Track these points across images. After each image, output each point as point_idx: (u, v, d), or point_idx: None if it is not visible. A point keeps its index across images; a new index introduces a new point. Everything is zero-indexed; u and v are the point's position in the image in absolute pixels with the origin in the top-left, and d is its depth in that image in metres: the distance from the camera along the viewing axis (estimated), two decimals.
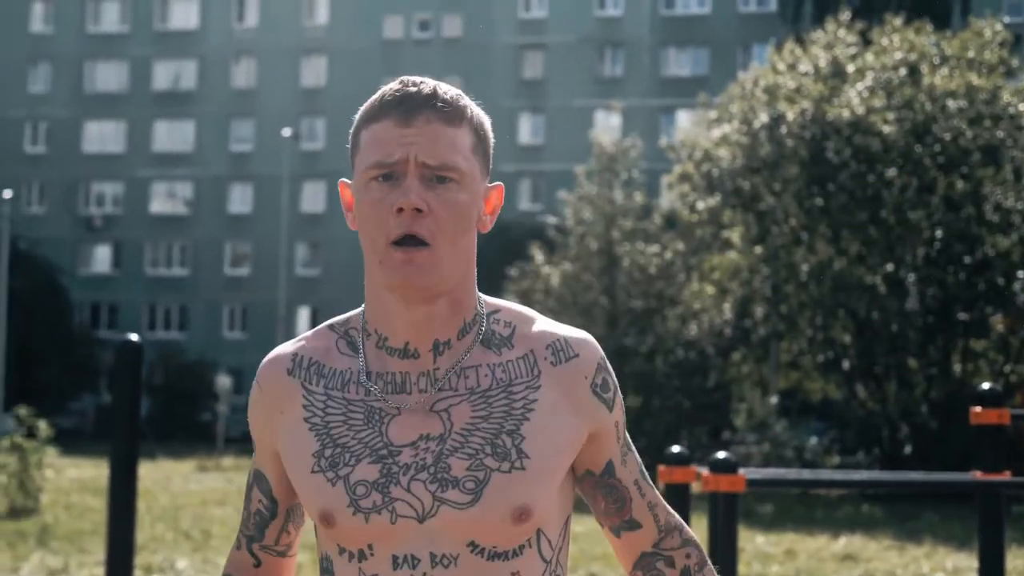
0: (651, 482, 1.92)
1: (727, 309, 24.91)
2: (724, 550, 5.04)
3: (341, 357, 1.85)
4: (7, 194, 47.43)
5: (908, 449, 21.81)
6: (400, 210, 1.73)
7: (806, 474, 6.25)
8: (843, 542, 13.85)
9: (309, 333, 1.91)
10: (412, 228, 1.73)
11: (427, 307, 1.78)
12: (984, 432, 5.78)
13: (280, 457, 1.89)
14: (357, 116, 1.84)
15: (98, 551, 11.03)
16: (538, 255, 28.23)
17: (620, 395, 1.90)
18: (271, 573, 1.99)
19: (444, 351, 1.79)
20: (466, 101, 1.82)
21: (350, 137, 1.86)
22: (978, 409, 5.79)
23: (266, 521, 1.95)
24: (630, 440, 1.92)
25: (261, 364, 1.94)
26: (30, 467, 16.09)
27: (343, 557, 1.80)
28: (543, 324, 1.86)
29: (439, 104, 1.77)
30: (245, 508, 1.98)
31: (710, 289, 24.86)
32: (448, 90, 1.81)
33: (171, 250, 58.73)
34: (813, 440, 24.04)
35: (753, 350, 25.90)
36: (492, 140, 1.88)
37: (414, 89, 1.78)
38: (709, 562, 1.96)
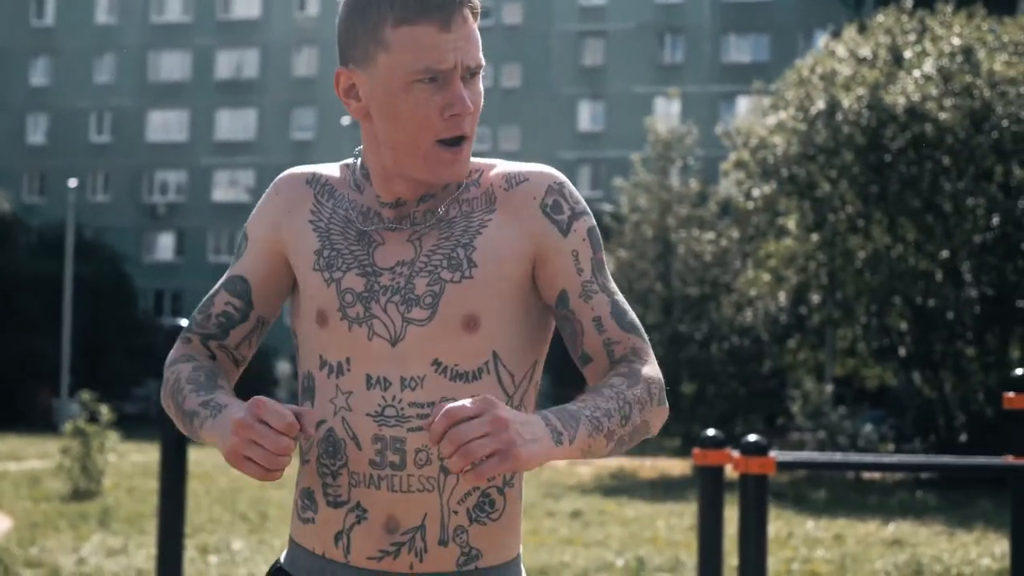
0: (629, 325, 1.97)
1: (782, 296, 24.88)
2: (754, 532, 5.13)
3: (348, 190, 2.04)
4: (73, 183, 48.13)
5: (964, 437, 21.72)
6: (454, 114, 1.90)
7: (837, 456, 6.33)
8: (892, 528, 13.88)
9: (330, 164, 2.11)
10: (462, 127, 1.92)
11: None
12: (1017, 417, 5.86)
13: (272, 259, 2.04)
14: (372, 4, 1.90)
15: (156, 533, 11.30)
16: None
17: (584, 219, 1.98)
18: (224, 370, 2.10)
19: (428, 199, 1.99)
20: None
21: (356, 22, 1.93)
22: (1011, 394, 5.87)
23: (233, 322, 2.07)
24: (604, 272, 1.99)
25: (281, 175, 2.10)
26: (92, 451, 16.43)
27: (323, 372, 1.96)
28: (508, 164, 2.03)
29: (469, 4, 1.92)
30: (200, 311, 2.08)
31: (765, 276, 24.84)
32: None
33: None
34: (868, 427, 23.96)
35: (808, 337, 25.87)
36: None
37: None
38: (641, 383, 1.92)
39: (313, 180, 2.06)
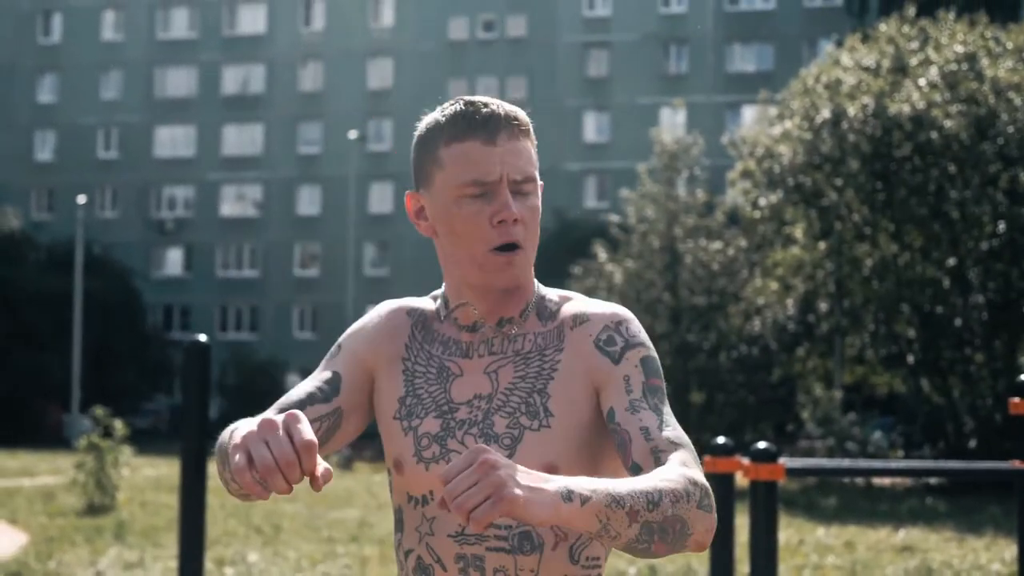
0: (674, 434, 1.97)
1: (790, 305, 24.97)
2: (764, 538, 5.21)
3: (437, 322, 2.14)
4: (81, 199, 48.31)
5: (973, 443, 21.77)
6: (502, 222, 2.01)
7: (846, 463, 6.40)
8: (903, 534, 13.94)
9: (422, 297, 2.21)
10: (512, 234, 2.01)
11: (503, 298, 2.08)
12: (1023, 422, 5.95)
13: (364, 375, 2.13)
14: (428, 129, 2.06)
15: (172, 545, 11.40)
16: (601, 253, 28.38)
17: (638, 350, 2.03)
18: None
19: (505, 325, 2.09)
20: (525, 116, 2.07)
21: (420, 149, 2.08)
22: (1017, 400, 5.96)
23: (314, 401, 2.09)
24: (658, 396, 2.01)
25: (384, 302, 2.21)
26: (106, 465, 16.53)
27: (410, 504, 2.07)
28: (581, 301, 2.12)
29: (515, 122, 2.04)
30: (286, 395, 2.12)
31: (773, 285, 24.93)
32: (513, 107, 2.07)
33: (241, 252, 59.48)
34: (877, 434, 24.01)
35: (817, 345, 25.94)
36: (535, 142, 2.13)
37: (491, 109, 2.03)
38: (681, 486, 1.85)
39: (413, 313, 2.17)
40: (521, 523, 1.95)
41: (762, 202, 24.44)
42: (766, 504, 5.23)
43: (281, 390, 49.13)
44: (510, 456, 1.99)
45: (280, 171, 59.58)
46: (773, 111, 25.36)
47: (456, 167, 2.01)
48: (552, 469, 1.97)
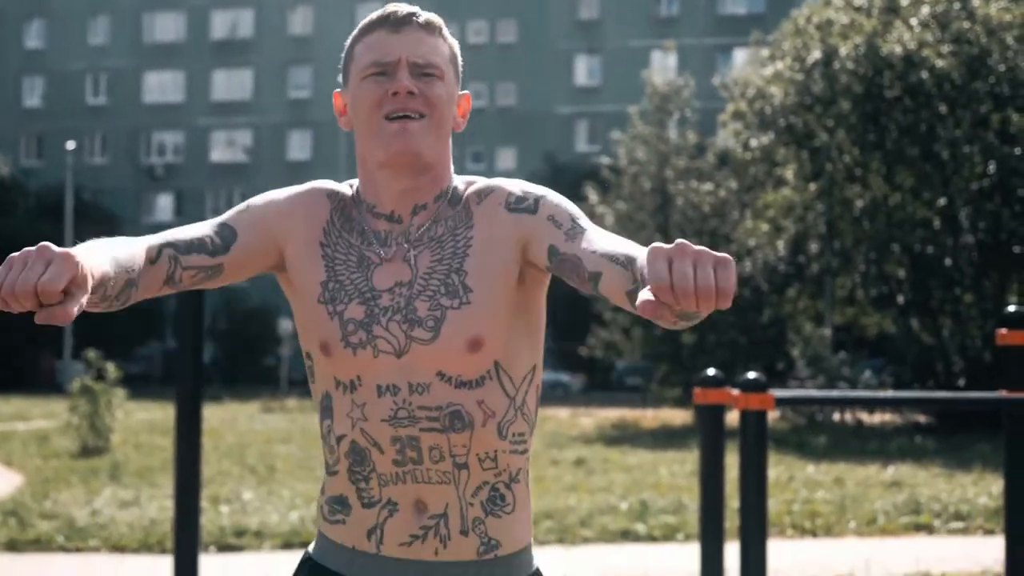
0: (614, 239, 1.99)
1: (781, 246, 25.02)
2: (754, 468, 5.26)
3: (354, 210, 2.19)
4: (70, 145, 48.12)
5: (962, 382, 21.89)
6: (395, 93, 2.09)
7: (834, 394, 6.47)
8: (892, 471, 14.07)
9: (344, 183, 2.25)
10: (406, 106, 2.09)
11: (414, 180, 2.12)
12: (1011, 352, 6.00)
13: (267, 244, 2.15)
14: (348, 40, 2.20)
15: (167, 485, 11.48)
16: (592, 195, 28.38)
17: (549, 197, 2.11)
18: (151, 279, 2.02)
19: (419, 212, 2.14)
20: (441, 22, 2.18)
21: (343, 56, 2.21)
22: (1004, 331, 6.01)
23: (202, 250, 2.09)
24: (587, 223, 2.06)
25: (308, 182, 2.25)
26: (100, 408, 16.60)
27: (338, 390, 2.12)
28: (481, 180, 2.20)
29: (425, 21, 2.14)
30: (178, 229, 2.11)
31: (764, 226, 24.96)
32: (431, 14, 2.18)
33: (232, 197, 59.37)
34: (867, 374, 24.13)
35: (807, 286, 26.02)
36: (461, 62, 2.21)
37: (404, 9, 2.15)
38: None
39: (334, 196, 2.21)
40: (451, 403, 2.05)
41: (753, 143, 24.42)
42: (756, 435, 5.28)
43: (274, 336, 49.22)
44: (434, 337, 2.05)
45: (270, 116, 59.37)
46: (765, 52, 25.29)
47: (362, 56, 2.14)
48: (478, 342, 2.06)
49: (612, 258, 1.93)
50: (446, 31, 2.18)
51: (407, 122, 2.09)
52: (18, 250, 1.75)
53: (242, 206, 2.19)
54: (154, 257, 2.03)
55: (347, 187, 2.23)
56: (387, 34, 2.13)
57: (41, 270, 1.67)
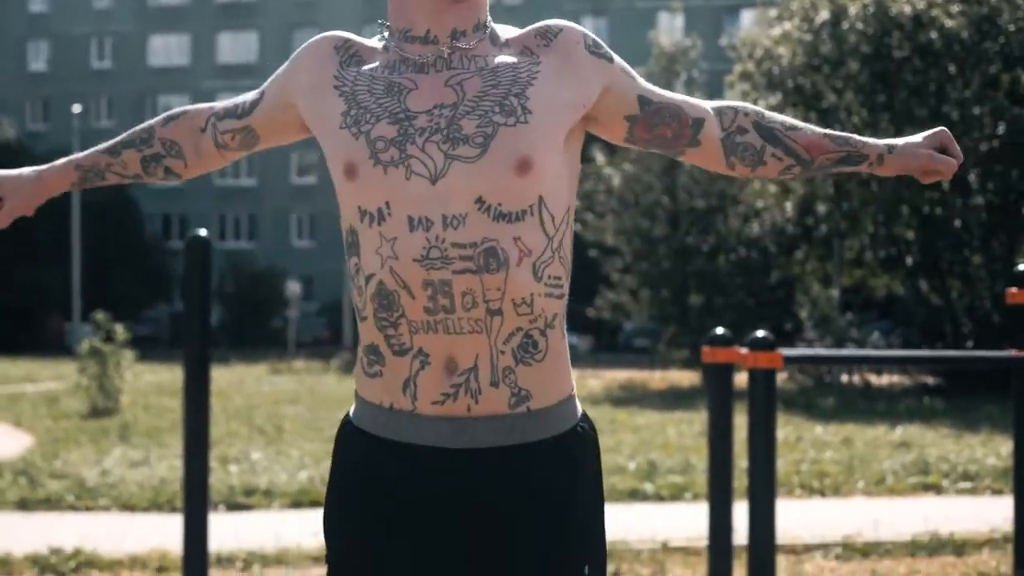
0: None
1: (789, 207, 24.95)
2: (762, 426, 5.24)
3: (378, 55, 2.14)
4: (76, 109, 48.05)
5: (971, 344, 21.86)
6: None
7: (843, 352, 6.45)
8: (900, 431, 14.07)
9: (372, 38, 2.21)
10: None
11: (453, 3, 2.07)
12: (1020, 311, 5.99)
13: (283, 105, 2.19)
14: None
15: (176, 445, 11.51)
16: (599, 156, 28.31)
17: (615, 58, 2.17)
18: (205, 145, 2.30)
19: (460, 38, 2.08)
20: None
21: None
22: (1014, 290, 6.00)
23: (233, 114, 2.26)
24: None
25: (313, 38, 2.22)
26: (109, 369, 16.64)
27: (364, 222, 2.02)
28: (527, 28, 2.16)
29: None
30: (235, 98, 2.29)
31: (772, 188, 24.87)
32: None
33: (238, 160, 59.19)
34: (875, 335, 24.10)
35: (816, 247, 25.96)
36: None
37: None
38: (761, 109, 2.23)
39: (342, 47, 2.15)
40: (486, 238, 1.97)
41: (761, 104, 24.33)
42: (765, 393, 5.26)
43: (280, 298, 49.29)
44: (482, 154, 1.98)
45: None
46: (772, 13, 25.14)
47: None
48: (527, 162, 1.99)
49: (703, 106, 2.15)
50: None
51: None
52: (25, 215, 2.26)
53: (279, 70, 2.24)
54: (203, 126, 2.28)
55: (361, 39, 2.18)
56: None
57: None
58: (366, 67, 2.10)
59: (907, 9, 21.51)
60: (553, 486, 2.04)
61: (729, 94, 27.99)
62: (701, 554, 6.79)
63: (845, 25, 22.19)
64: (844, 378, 22.79)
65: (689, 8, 49.37)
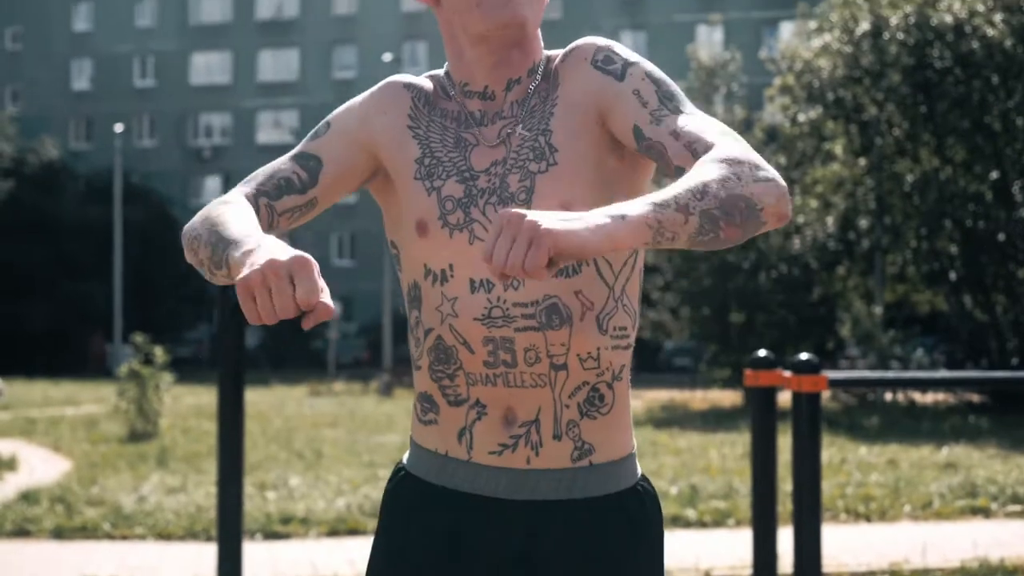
0: (702, 122, 1.91)
1: (830, 222, 24.72)
2: (807, 450, 5.12)
3: (440, 99, 2.08)
4: (118, 128, 48.36)
5: (1016, 360, 21.57)
6: None
7: (889, 375, 6.29)
8: (946, 452, 13.85)
9: (422, 76, 2.14)
10: None
11: (507, 52, 2.01)
12: None
13: (352, 150, 2.06)
14: None
15: (213, 471, 11.44)
16: None
17: (639, 64, 2.00)
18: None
19: (513, 87, 2.03)
20: None
21: None
22: None
23: (292, 190, 2.05)
24: (676, 99, 1.96)
25: (382, 82, 2.14)
26: (148, 392, 16.62)
27: (428, 280, 1.98)
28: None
29: None
30: (263, 173, 2.08)
31: (813, 202, 24.68)
32: None
33: None
34: (919, 352, 23.82)
35: (857, 263, 25.71)
36: None
37: None
38: (727, 174, 1.78)
39: (413, 86, 2.10)
40: (547, 296, 1.91)
41: (801, 118, 24.14)
42: (809, 417, 5.14)
43: None
44: (528, 208, 1.92)
45: (316, 96, 59.39)
46: (812, 25, 24.97)
47: None
48: (567, 207, 1.90)
49: (692, 150, 1.87)
50: None
51: None
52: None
53: (321, 126, 2.11)
54: (257, 213, 2.04)
55: (426, 80, 2.11)
56: None
57: (289, 288, 1.68)
58: (436, 111, 2.06)
59: (948, 19, 21.30)
60: (613, 545, 1.99)
61: (769, 108, 27.82)
62: None
63: (886, 36, 21.99)
64: (888, 396, 22.52)
65: (728, 21, 49.21)
